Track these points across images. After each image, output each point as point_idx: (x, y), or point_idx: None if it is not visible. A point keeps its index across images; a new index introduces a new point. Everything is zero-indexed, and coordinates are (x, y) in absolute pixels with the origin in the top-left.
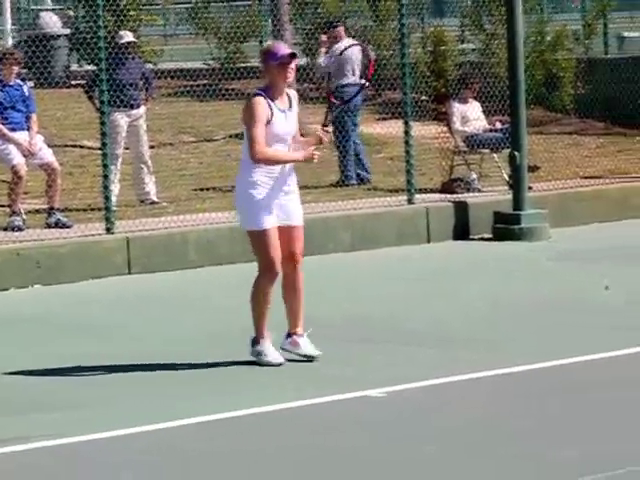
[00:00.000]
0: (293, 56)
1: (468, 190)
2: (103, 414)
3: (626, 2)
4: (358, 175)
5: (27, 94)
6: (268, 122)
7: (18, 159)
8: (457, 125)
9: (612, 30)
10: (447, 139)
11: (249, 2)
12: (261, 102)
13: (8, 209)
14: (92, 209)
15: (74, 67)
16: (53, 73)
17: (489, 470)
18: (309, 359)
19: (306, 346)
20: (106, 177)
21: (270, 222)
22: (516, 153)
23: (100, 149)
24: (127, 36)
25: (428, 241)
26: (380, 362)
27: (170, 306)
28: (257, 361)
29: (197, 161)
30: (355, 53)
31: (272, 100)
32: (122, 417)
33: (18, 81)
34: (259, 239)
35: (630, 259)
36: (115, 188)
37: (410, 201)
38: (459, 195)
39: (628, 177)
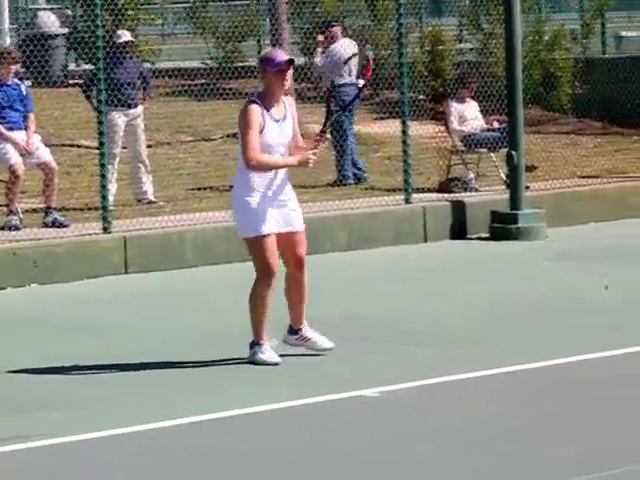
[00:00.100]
0: (291, 63)
1: (465, 189)
2: (101, 413)
3: (624, 2)
4: (354, 174)
5: (25, 93)
6: (260, 131)
7: (15, 158)
8: (455, 124)
9: (610, 30)
10: (444, 138)
11: (247, 1)
12: (255, 110)
13: (5, 208)
14: (89, 208)
15: (72, 66)
16: (51, 72)
17: (486, 469)
18: (322, 353)
19: (319, 339)
20: (103, 176)
21: (266, 228)
22: (513, 152)
23: (97, 148)
24: (125, 35)
25: (425, 241)
26: (378, 362)
27: (167, 305)
28: (253, 360)
29: (194, 160)
30: (351, 52)
31: (267, 108)
32: (119, 416)
33: (16, 80)
34: (256, 245)
35: (628, 259)
36: (112, 187)
37: (407, 200)
38: (456, 194)
39: (625, 177)
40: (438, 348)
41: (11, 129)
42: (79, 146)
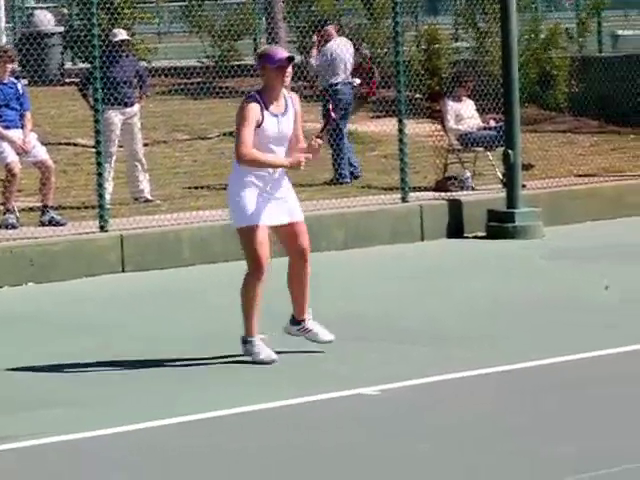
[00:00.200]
0: (291, 60)
1: (462, 188)
2: (99, 413)
3: (620, 0)
4: (351, 173)
5: (21, 92)
6: (259, 125)
7: (12, 157)
8: (451, 123)
9: (606, 28)
10: (441, 137)
11: (243, 0)
12: (253, 107)
13: (2, 207)
14: (86, 207)
15: (68, 65)
16: (47, 71)
17: (483, 467)
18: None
19: (320, 331)
20: (100, 175)
21: (258, 219)
22: (510, 151)
23: (94, 147)
24: (121, 34)
25: (422, 239)
26: (374, 360)
27: (164, 304)
28: (251, 358)
29: (191, 159)
30: (345, 51)
31: (266, 104)
32: (116, 415)
33: (12, 79)
34: (246, 235)
35: (624, 257)
36: (109, 186)
37: (404, 199)
38: (453, 193)
39: (622, 175)
40: (434, 347)
41: (8, 128)
42: (76, 145)
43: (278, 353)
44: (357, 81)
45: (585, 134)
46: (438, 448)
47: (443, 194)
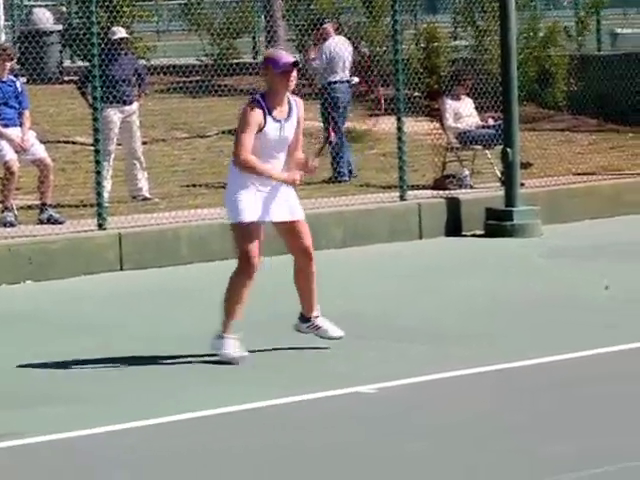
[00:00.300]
0: (295, 64)
1: (460, 186)
2: (97, 410)
3: None
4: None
5: (20, 90)
6: (260, 130)
7: (10, 155)
8: (450, 121)
9: (605, 27)
10: (440, 135)
11: None
12: (256, 112)
13: (0, 205)
14: (84, 205)
15: (67, 63)
16: (46, 69)
17: (482, 465)
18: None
19: (330, 328)
20: (98, 173)
21: (251, 216)
22: (508, 150)
23: (93, 145)
24: (120, 32)
25: (420, 237)
26: (372, 358)
27: (162, 302)
28: (218, 356)
29: (189, 157)
30: (344, 50)
31: (270, 109)
32: (113, 413)
33: (11, 77)
34: (238, 231)
35: (622, 256)
36: (107, 184)
37: (402, 197)
38: (451, 191)
39: (620, 174)
40: (433, 345)
41: (6, 126)
42: (74, 143)
43: (276, 350)
44: (355, 79)
45: (584, 133)
46: (436, 447)
47: (441, 192)
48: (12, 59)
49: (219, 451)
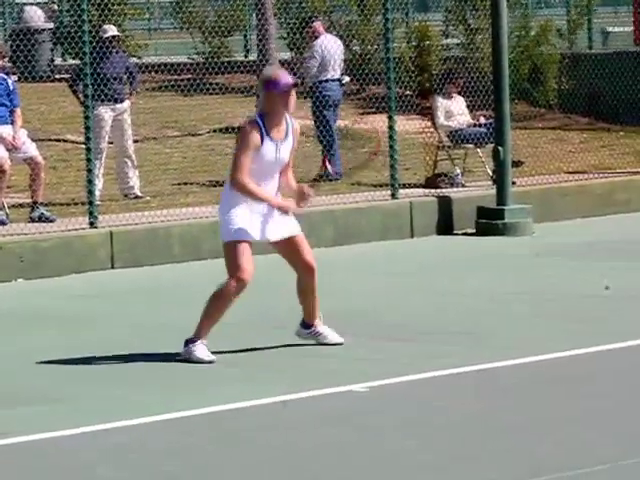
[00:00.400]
0: (295, 85)
1: (452, 185)
2: (83, 410)
3: None
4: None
5: (11, 88)
6: (257, 150)
7: (2, 153)
8: (441, 120)
9: (596, 25)
10: (431, 134)
11: None
12: (253, 133)
13: None
14: (76, 203)
15: (58, 61)
16: (37, 67)
17: (473, 464)
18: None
19: (330, 334)
20: (90, 171)
21: (247, 236)
22: (500, 148)
23: (84, 143)
24: (111, 30)
25: (412, 236)
26: (363, 357)
27: (153, 301)
28: (188, 359)
29: (181, 155)
30: (337, 48)
31: (267, 130)
32: (102, 412)
33: (2, 75)
34: (232, 250)
35: (613, 254)
36: (99, 182)
37: (394, 196)
38: (443, 190)
39: (612, 172)
40: (424, 343)
41: None
42: (65, 141)
43: (266, 349)
44: (346, 78)
45: (575, 131)
46: (426, 445)
47: (433, 191)
48: (4, 57)
49: (211, 450)
